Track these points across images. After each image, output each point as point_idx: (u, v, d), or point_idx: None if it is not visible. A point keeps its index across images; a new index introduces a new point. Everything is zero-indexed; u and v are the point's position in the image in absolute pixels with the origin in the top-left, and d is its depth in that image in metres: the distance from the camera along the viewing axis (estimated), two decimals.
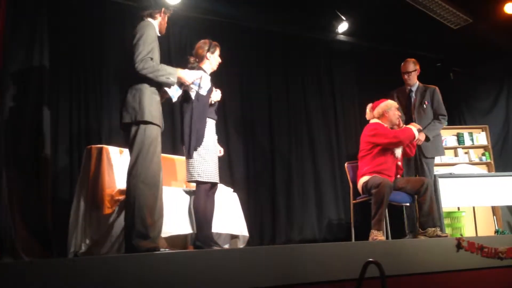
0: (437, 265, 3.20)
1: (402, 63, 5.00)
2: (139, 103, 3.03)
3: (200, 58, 3.76)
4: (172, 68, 3.14)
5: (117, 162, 3.97)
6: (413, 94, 4.89)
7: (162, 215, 3.22)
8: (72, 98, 4.89)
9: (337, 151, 6.48)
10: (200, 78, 3.32)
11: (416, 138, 4.28)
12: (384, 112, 4.37)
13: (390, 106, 4.39)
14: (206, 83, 3.38)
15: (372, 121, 4.42)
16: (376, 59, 6.98)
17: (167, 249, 3.12)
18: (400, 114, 4.43)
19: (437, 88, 4.93)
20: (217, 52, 3.81)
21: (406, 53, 7.16)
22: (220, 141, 3.87)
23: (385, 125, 4.33)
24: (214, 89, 3.73)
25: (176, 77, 3.11)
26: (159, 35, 3.32)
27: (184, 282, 2.38)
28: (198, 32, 5.67)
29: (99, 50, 5.11)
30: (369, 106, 4.53)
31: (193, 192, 3.78)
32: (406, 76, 4.91)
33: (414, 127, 4.30)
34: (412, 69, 4.91)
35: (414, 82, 4.92)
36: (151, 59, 3.04)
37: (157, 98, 3.11)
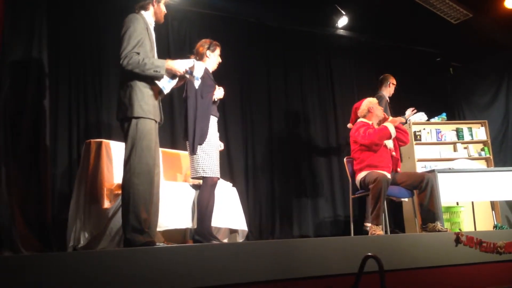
0: (436, 259, 3.20)
1: (392, 77, 5.40)
2: (129, 99, 3.03)
3: (200, 56, 3.78)
4: (160, 61, 3.10)
5: (116, 156, 3.97)
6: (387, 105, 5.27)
7: (158, 210, 3.22)
8: (71, 92, 4.88)
9: (336, 146, 6.49)
10: (192, 66, 3.26)
11: (393, 136, 4.28)
12: (369, 109, 4.46)
13: (374, 102, 4.50)
14: (199, 71, 3.33)
15: (359, 120, 4.51)
16: (376, 54, 6.98)
17: (163, 244, 3.12)
18: (383, 108, 4.56)
19: None
20: (217, 51, 3.83)
21: (406, 48, 7.20)
22: (219, 136, 3.87)
23: (370, 122, 4.40)
24: (217, 86, 3.74)
25: (164, 69, 3.05)
26: (152, 25, 3.28)
27: (183, 276, 2.39)
28: (197, 27, 5.67)
29: (98, 44, 5.10)
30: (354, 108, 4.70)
31: (199, 187, 3.80)
32: (395, 88, 5.36)
33: (390, 124, 4.30)
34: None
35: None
36: (137, 53, 3.02)
37: (149, 92, 3.08)
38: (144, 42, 3.10)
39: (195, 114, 3.56)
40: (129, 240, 2.90)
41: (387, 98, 5.29)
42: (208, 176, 3.56)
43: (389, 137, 4.22)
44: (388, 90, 5.36)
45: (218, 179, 3.68)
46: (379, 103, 4.96)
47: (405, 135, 4.43)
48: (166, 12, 3.37)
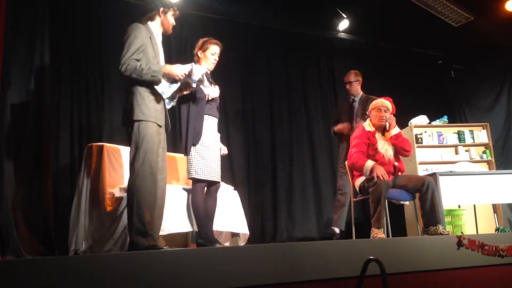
0: (438, 262, 3.19)
1: (347, 75, 5.21)
2: (131, 104, 3.07)
3: (196, 57, 3.75)
4: (158, 66, 3.12)
5: (118, 160, 3.97)
6: (356, 104, 5.04)
7: (162, 214, 3.22)
8: (73, 95, 4.90)
9: (338, 149, 6.48)
10: (191, 70, 3.24)
11: (363, 172, 4.01)
12: (369, 112, 4.31)
13: (372, 106, 4.26)
14: (198, 74, 3.33)
15: (365, 122, 4.32)
16: (377, 57, 6.99)
17: (166, 247, 3.13)
18: (382, 115, 4.15)
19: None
20: (211, 49, 3.71)
21: (407, 51, 7.21)
22: (221, 139, 3.84)
23: (373, 129, 4.19)
24: (212, 85, 3.69)
25: (161, 73, 3.07)
26: (159, 35, 3.30)
27: (185, 280, 2.39)
28: (199, 30, 5.67)
29: (100, 47, 5.12)
30: None
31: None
32: (348, 86, 5.13)
33: (370, 165, 3.95)
34: (353, 80, 5.10)
35: (357, 92, 5.11)
36: (137, 60, 3.05)
37: (150, 96, 3.10)
38: (146, 50, 3.12)
39: (187, 114, 3.52)
40: (133, 243, 2.92)
41: (351, 99, 5.09)
42: (199, 178, 3.52)
43: (360, 170, 4.06)
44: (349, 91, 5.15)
45: (216, 182, 3.63)
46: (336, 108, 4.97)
47: (407, 153, 4.24)
48: (174, 23, 3.38)
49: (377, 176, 3.88)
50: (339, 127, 4.99)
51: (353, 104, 5.08)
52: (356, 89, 5.11)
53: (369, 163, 4.00)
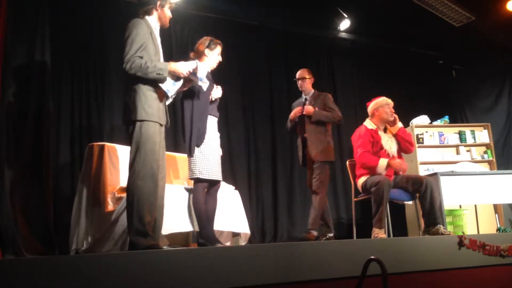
0: (439, 262, 3.19)
1: (299, 72, 5.11)
2: (133, 103, 3.02)
3: (199, 54, 3.71)
4: (163, 63, 3.09)
5: (118, 160, 3.97)
6: (307, 102, 4.95)
7: (163, 213, 3.21)
8: (73, 95, 4.90)
9: (338, 148, 6.48)
10: (196, 67, 3.23)
11: (378, 172, 4.06)
12: (374, 110, 4.32)
13: (380, 103, 4.30)
14: (203, 72, 3.32)
15: (365, 121, 4.38)
16: (378, 57, 6.98)
17: (169, 247, 3.12)
18: (393, 110, 4.29)
19: (329, 94, 5.05)
20: (217, 50, 3.73)
21: (408, 51, 7.20)
22: (221, 139, 3.83)
23: (375, 126, 4.24)
24: (215, 85, 3.68)
25: (167, 71, 3.04)
26: (157, 30, 3.28)
27: (186, 280, 2.38)
28: (200, 30, 5.68)
29: (100, 47, 5.11)
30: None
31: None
32: (300, 82, 5.04)
33: (384, 162, 4.05)
34: (307, 76, 5.03)
35: (308, 90, 5.02)
36: (140, 57, 3.01)
37: (153, 95, 3.06)
38: (148, 46, 3.08)
39: (191, 115, 3.51)
40: (133, 243, 2.90)
41: (304, 98, 5.00)
42: (203, 177, 3.51)
43: (373, 169, 4.11)
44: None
45: (218, 181, 3.62)
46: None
47: (411, 147, 4.33)
48: (171, 16, 3.34)
49: (397, 169, 4.10)
50: (292, 114, 4.86)
51: (305, 102, 4.97)
52: (308, 86, 5.03)
53: (383, 161, 4.08)
